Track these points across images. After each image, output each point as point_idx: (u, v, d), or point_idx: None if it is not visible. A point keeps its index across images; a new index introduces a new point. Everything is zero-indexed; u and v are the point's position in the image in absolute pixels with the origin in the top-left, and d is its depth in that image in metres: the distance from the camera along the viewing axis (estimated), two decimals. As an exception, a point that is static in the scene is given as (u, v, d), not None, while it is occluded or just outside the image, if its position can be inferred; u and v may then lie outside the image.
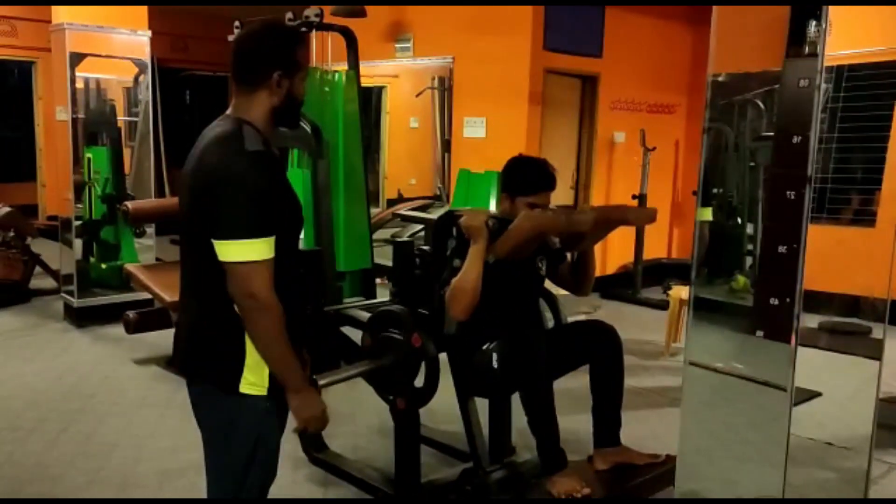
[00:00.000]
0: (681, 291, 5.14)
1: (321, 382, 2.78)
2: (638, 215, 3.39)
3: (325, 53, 5.77)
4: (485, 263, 2.66)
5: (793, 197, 1.92)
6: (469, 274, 2.63)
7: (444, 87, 7.57)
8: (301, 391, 1.85)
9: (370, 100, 8.35)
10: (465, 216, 2.71)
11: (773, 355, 1.97)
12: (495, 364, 2.66)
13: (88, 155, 5.99)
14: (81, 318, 5.65)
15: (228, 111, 1.88)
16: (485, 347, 2.69)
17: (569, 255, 3.02)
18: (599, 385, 2.79)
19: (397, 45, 7.39)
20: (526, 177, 2.84)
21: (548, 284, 3.06)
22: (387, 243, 5.82)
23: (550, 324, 3.14)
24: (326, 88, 5.13)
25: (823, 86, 1.96)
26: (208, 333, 1.85)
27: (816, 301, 4.03)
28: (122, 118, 6.58)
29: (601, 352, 2.80)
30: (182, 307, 1.97)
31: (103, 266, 5.99)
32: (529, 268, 2.90)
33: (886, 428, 3.60)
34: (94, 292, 5.84)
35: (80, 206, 5.95)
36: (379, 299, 3.97)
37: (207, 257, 1.75)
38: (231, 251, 1.72)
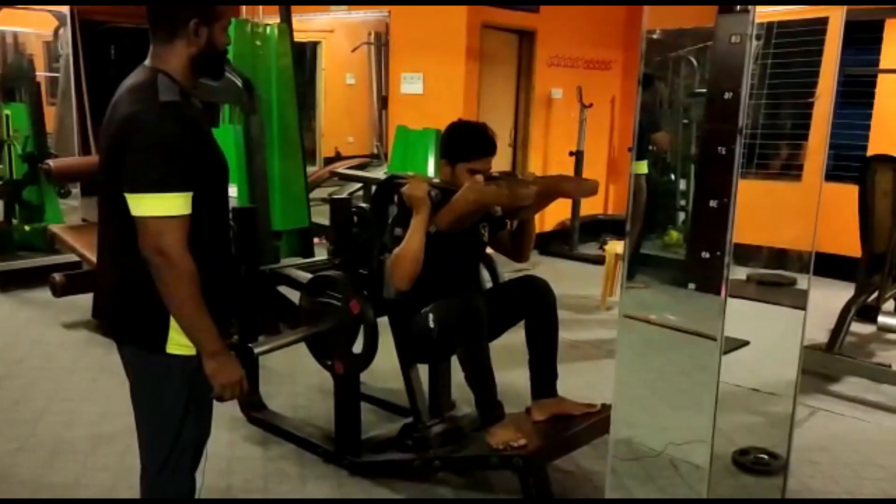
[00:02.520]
0: (616, 247, 5.23)
1: (258, 350, 2.74)
2: (579, 188, 3.44)
3: (257, 6, 5.59)
4: (427, 234, 2.65)
5: (724, 152, 1.95)
6: (411, 244, 2.63)
7: (381, 43, 7.43)
8: (217, 356, 1.77)
9: (305, 55, 8.15)
10: (408, 185, 2.68)
11: (703, 306, 2.02)
12: (432, 324, 2.67)
13: (6, 112, 5.74)
14: (5, 282, 5.42)
15: (146, 61, 1.80)
16: (423, 311, 2.70)
17: (509, 223, 3.02)
18: (535, 338, 2.83)
19: (332, -1, 7.22)
20: (466, 143, 2.81)
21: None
22: (324, 202, 5.75)
23: (489, 285, 3.16)
24: (258, 42, 4.99)
25: (754, 42, 1.98)
26: (132, 294, 1.79)
27: (745, 254, 4.16)
28: (41, 73, 6.28)
29: (535, 306, 2.83)
30: (101, 267, 1.90)
31: (27, 228, 5.77)
32: (472, 235, 2.89)
33: (810, 374, 3.77)
34: (18, 255, 5.62)
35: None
36: (317, 258, 3.93)
37: (126, 213, 1.68)
38: (142, 205, 1.66)
